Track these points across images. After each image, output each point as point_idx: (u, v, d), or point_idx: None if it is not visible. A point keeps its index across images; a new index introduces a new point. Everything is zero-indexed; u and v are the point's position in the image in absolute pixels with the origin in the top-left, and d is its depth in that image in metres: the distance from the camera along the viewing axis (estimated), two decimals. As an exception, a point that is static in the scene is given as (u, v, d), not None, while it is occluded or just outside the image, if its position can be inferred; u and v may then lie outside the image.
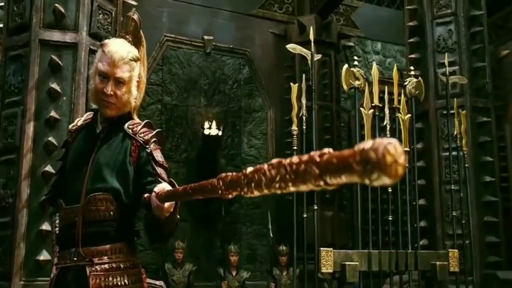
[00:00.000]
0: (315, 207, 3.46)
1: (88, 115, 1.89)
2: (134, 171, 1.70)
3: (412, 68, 4.24)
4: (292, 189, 0.74)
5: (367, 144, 0.57)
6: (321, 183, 0.66)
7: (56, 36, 4.01)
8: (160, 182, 1.60)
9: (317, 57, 4.03)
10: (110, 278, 1.61)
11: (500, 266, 4.83)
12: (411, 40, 5.78)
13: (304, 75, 4.01)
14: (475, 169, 4.98)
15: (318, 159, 0.65)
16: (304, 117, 3.74)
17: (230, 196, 0.97)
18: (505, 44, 7.96)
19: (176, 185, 1.53)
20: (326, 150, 0.68)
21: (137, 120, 1.82)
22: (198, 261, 6.44)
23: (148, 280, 1.94)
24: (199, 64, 7.13)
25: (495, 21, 7.79)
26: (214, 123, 6.68)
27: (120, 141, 1.74)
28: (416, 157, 3.87)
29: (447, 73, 4.35)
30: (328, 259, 2.93)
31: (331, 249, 3.14)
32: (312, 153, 0.69)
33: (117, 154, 1.71)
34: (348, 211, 7.13)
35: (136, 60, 1.75)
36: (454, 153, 4.36)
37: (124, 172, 1.69)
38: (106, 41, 1.79)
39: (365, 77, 3.96)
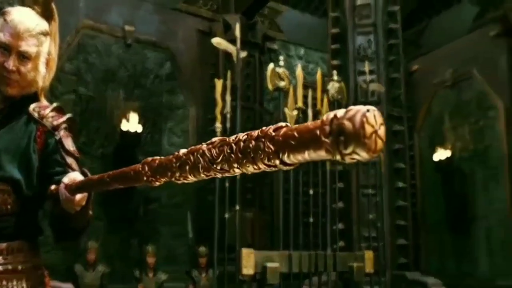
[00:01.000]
0: (237, 208, 3.38)
1: None
2: (39, 159, 1.48)
3: (335, 72, 4.32)
4: (237, 171, 0.62)
5: (340, 112, 0.47)
6: (277, 162, 0.55)
7: (-48, 8, 3.54)
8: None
9: (243, 54, 3.97)
10: (4, 282, 1.38)
11: (408, 267, 5.07)
12: (333, 46, 5.92)
13: (229, 72, 3.92)
14: (389, 175, 5.19)
15: (273, 134, 0.54)
16: (228, 115, 3.65)
17: (157, 183, 0.84)
18: (415, 59, 8.47)
19: (89, 174, 1.35)
20: (282, 123, 0.57)
21: (45, 102, 1.60)
22: (113, 262, 6.10)
23: (54, 283, 1.71)
24: (118, 55, 6.77)
25: (407, 37, 8.27)
26: (133, 118, 6.37)
27: (23, 124, 1.51)
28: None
29: (367, 80, 4.49)
30: (249, 260, 2.86)
31: (252, 250, 3.08)
32: (264, 128, 0.58)
33: (19, 139, 1.48)
34: (268, 212, 7.14)
35: (45, 34, 1.53)
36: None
37: (27, 160, 1.47)
38: (9, 9, 1.54)
39: (290, 78, 3.96)
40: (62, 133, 1.52)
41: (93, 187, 1.24)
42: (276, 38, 8.25)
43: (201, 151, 0.65)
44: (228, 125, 3.55)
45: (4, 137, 1.48)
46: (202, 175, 0.66)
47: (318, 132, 0.47)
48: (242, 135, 0.59)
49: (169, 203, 6.60)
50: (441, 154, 8.01)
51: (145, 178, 0.83)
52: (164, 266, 6.32)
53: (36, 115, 1.53)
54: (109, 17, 6.73)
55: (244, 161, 0.57)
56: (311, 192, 3.76)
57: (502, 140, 7.54)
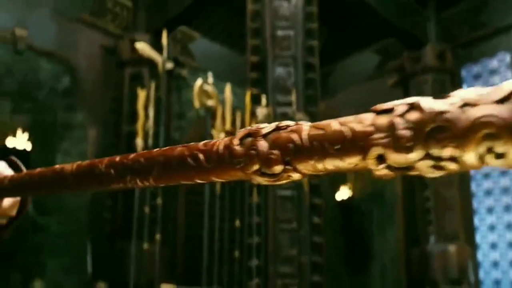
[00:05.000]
0: (158, 238, 2.90)
1: None
2: None
3: (264, 97, 4.08)
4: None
5: None
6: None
7: None
8: None
9: (169, 65, 3.58)
10: None
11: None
12: (252, 75, 5.72)
13: (153, 83, 3.48)
14: (306, 210, 5.02)
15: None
16: (150, 131, 3.19)
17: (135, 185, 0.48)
18: (321, 101, 8.66)
19: (22, 167, 0.88)
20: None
21: None
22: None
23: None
24: (5, 61, 5.86)
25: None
26: (21, 135, 5.48)
27: None
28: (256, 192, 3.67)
29: (294, 109, 4.34)
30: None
31: (174, 285, 2.64)
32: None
33: None
34: (171, 246, 6.54)
35: None
36: (290, 192, 4.30)
37: None
38: None
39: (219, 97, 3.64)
40: None
41: (34, 187, 0.77)
42: (186, 64, 7.89)
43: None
44: (150, 142, 3.07)
45: None
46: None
47: None
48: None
49: (59, 232, 5.69)
50: (343, 194, 8.16)
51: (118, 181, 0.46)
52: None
53: None
54: (-4, 15, 5.85)
55: None
56: (237, 224, 3.39)
57: (397, 182, 7.92)
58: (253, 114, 3.75)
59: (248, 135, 0.39)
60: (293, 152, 0.35)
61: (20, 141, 5.48)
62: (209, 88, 3.45)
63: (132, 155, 0.49)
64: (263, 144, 0.37)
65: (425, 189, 7.23)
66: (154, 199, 4.04)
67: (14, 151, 5.42)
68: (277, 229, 4.84)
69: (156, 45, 6.75)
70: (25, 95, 5.99)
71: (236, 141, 0.39)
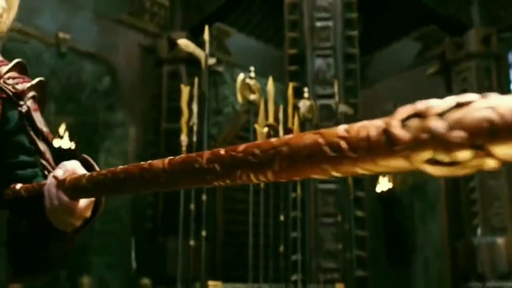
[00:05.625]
0: (204, 234, 2.91)
1: None
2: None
3: (306, 90, 4.03)
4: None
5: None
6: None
7: None
8: (46, 168, 0.92)
9: (212, 60, 3.57)
10: None
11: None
12: (291, 68, 5.67)
13: (196, 79, 3.48)
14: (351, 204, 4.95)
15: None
16: (194, 127, 3.19)
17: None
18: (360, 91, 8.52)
19: (96, 166, 0.86)
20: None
21: (-1, 56, 1.10)
22: (39, 299, 5.22)
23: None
24: (50, 64, 6.02)
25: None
26: (66, 135, 5.63)
27: None
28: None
29: (337, 101, 4.26)
30: (217, 294, 2.41)
31: (219, 282, 2.63)
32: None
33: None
34: (211, 242, 6.60)
35: None
36: (332, 185, 4.24)
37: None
38: None
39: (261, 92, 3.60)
40: (30, 103, 1.01)
41: (118, 186, 0.74)
42: (222, 60, 7.89)
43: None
44: (194, 138, 3.07)
45: None
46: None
47: None
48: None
49: (103, 231, 5.83)
50: (383, 186, 8.02)
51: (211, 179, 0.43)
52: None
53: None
54: (41, 21, 5.99)
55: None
56: (281, 218, 3.36)
57: (439, 173, 7.70)
58: (294, 107, 3.70)
59: (415, 115, 0.32)
60: (488, 134, 0.28)
61: (65, 141, 5.63)
62: (251, 82, 3.42)
63: (241, 147, 0.46)
64: (439, 125, 0.31)
65: (470, 180, 7.02)
66: (197, 196, 4.06)
67: (60, 149, 5.57)
68: (319, 223, 4.79)
69: (194, 42, 6.80)
70: (69, 97, 6.14)
71: (396, 123, 0.32)
